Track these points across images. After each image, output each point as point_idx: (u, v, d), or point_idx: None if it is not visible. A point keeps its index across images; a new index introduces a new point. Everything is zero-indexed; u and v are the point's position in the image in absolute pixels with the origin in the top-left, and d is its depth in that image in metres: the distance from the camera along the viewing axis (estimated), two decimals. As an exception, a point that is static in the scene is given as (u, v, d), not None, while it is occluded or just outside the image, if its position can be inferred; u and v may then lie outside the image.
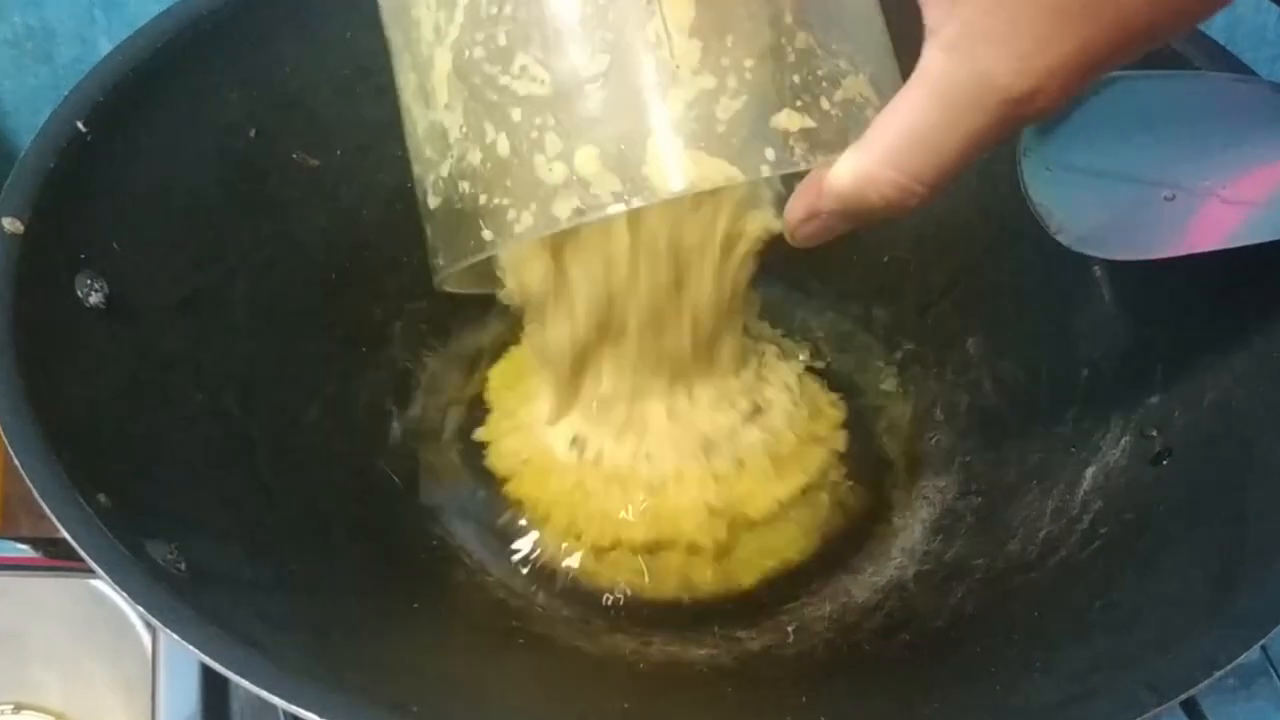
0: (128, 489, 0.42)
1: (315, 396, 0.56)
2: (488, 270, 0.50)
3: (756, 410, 0.56)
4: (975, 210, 0.62)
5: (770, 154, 0.36)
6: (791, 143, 0.36)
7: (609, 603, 0.53)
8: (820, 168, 0.37)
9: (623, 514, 0.53)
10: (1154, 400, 0.52)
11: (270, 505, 0.50)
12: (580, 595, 0.53)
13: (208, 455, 0.49)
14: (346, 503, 0.54)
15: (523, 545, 0.55)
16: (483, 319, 0.62)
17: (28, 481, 0.39)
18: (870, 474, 0.58)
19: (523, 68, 0.36)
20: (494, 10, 0.36)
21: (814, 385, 0.60)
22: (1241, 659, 0.39)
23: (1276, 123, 0.48)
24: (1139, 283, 0.55)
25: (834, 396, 0.60)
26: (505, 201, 0.38)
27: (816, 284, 0.64)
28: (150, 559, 0.40)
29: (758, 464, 0.55)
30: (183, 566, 0.41)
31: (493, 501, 0.56)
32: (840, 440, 0.58)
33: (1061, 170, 0.51)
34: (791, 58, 0.36)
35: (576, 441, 0.55)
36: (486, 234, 0.39)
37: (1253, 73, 0.54)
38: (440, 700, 0.43)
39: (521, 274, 0.49)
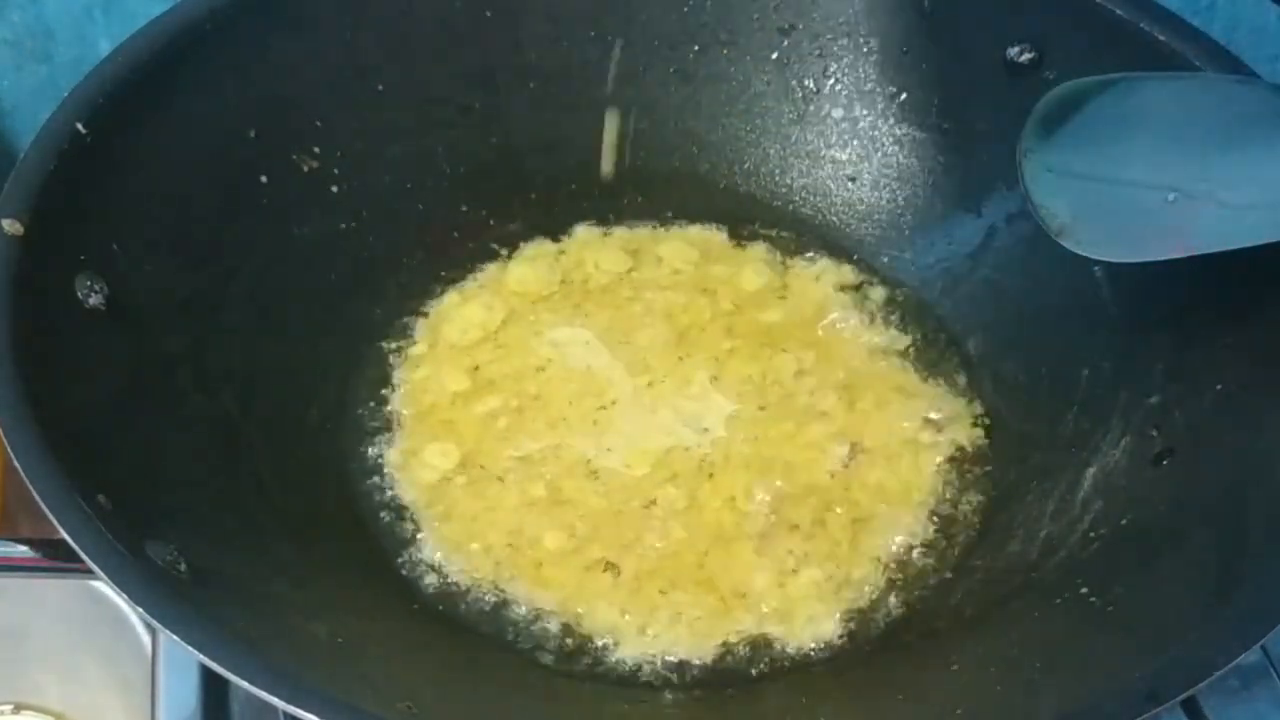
0: (128, 489, 0.42)
1: (314, 397, 0.56)
2: None
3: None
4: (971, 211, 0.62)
5: None
6: None
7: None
8: None
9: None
10: (1154, 400, 0.52)
11: (270, 506, 0.50)
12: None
13: (208, 456, 0.49)
14: (346, 504, 0.54)
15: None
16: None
17: (27, 482, 0.39)
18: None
19: None
20: None
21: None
22: (1241, 659, 0.39)
23: (1277, 123, 0.48)
24: (1139, 283, 0.55)
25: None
26: None
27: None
28: (150, 560, 0.40)
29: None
30: (183, 567, 0.41)
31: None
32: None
33: (1063, 172, 0.51)
34: None
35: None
36: None
37: (1253, 73, 0.54)
38: (437, 700, 0.43)
39: None
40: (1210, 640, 0.40)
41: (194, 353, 0.51)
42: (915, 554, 0.54)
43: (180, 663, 0.50)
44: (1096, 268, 0.56)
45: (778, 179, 0.66)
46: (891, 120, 0.64)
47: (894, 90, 0.64)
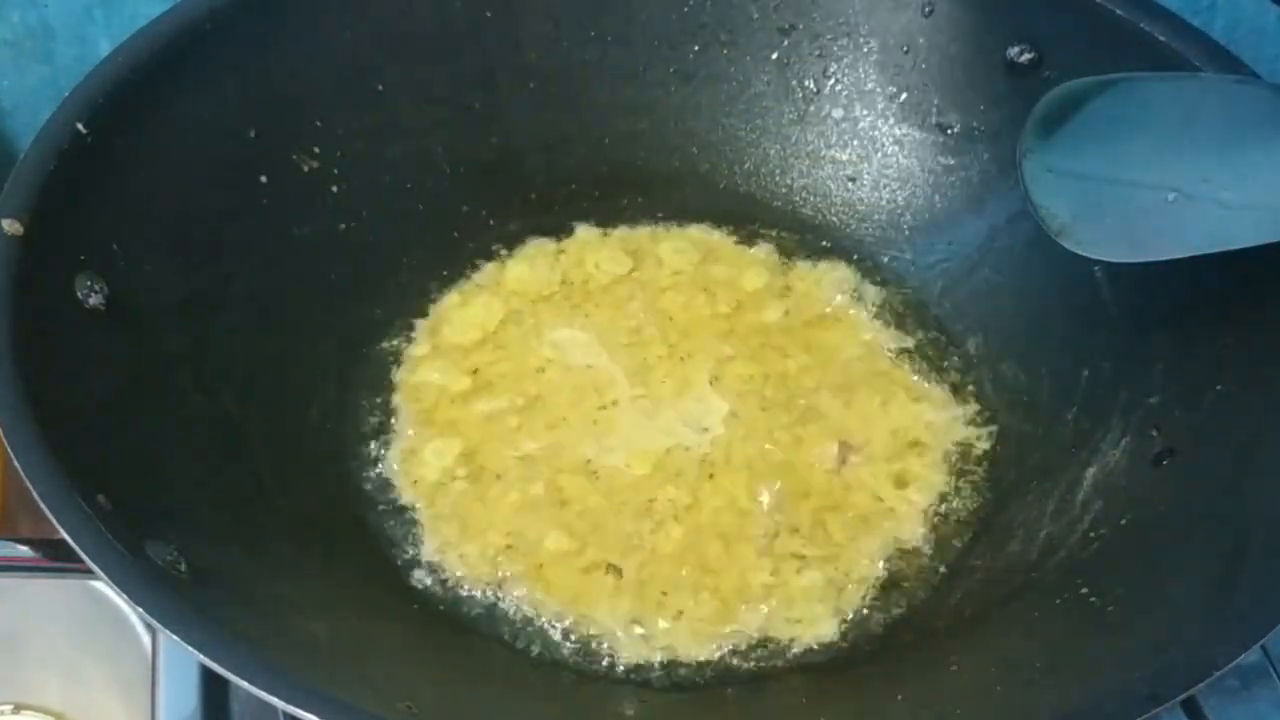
0: (128, 490, 0.42)
1: (314, 397, 0.56)
2: None
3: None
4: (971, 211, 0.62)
5: None
6: None
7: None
8: None
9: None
10: (1154, 400, 0.52)
11: (270, 506, 0.50)
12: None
13: (208, 456, 0.49)
14: (346, 504, 0.54)
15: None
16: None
17: (27, 482, 0.39)
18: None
19: None
20: None
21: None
22: (1241, 659, 0.39)
23: (1277, 124, 0.48)
24: (1139, 283, 0.55)
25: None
26: None
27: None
28: (150, 560, 0.40)
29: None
30: (183, 567, 0.41)
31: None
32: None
33: (1063, 172, 0.51)
34: None
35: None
36: None
37: (1253, 73, 0.54)
38: (437, 700, 0.43)
39: None
40: (1210, 640, 0.40)
41: (194, 353, 0.51)
42: (915, 554, 0.54)
43: (180, 663, 0.50)
44: (1096, 268, 0.56)
45: (778, 179, 0.66)
46: (891, 120, 0.64)
47: (894, 90, 0.64)
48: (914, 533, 0.54)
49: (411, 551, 0.53)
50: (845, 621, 0.51)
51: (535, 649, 0.50)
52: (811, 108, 0.65)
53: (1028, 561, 0.51)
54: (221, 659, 0.37)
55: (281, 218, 0.57)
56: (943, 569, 0.53)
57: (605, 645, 0.50)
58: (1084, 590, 0.47)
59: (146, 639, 0.53)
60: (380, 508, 0.54)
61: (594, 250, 0.64)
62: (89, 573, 0.38)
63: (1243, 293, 0.51)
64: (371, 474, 0.55)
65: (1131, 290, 0.55)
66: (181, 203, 0.52)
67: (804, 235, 0.65)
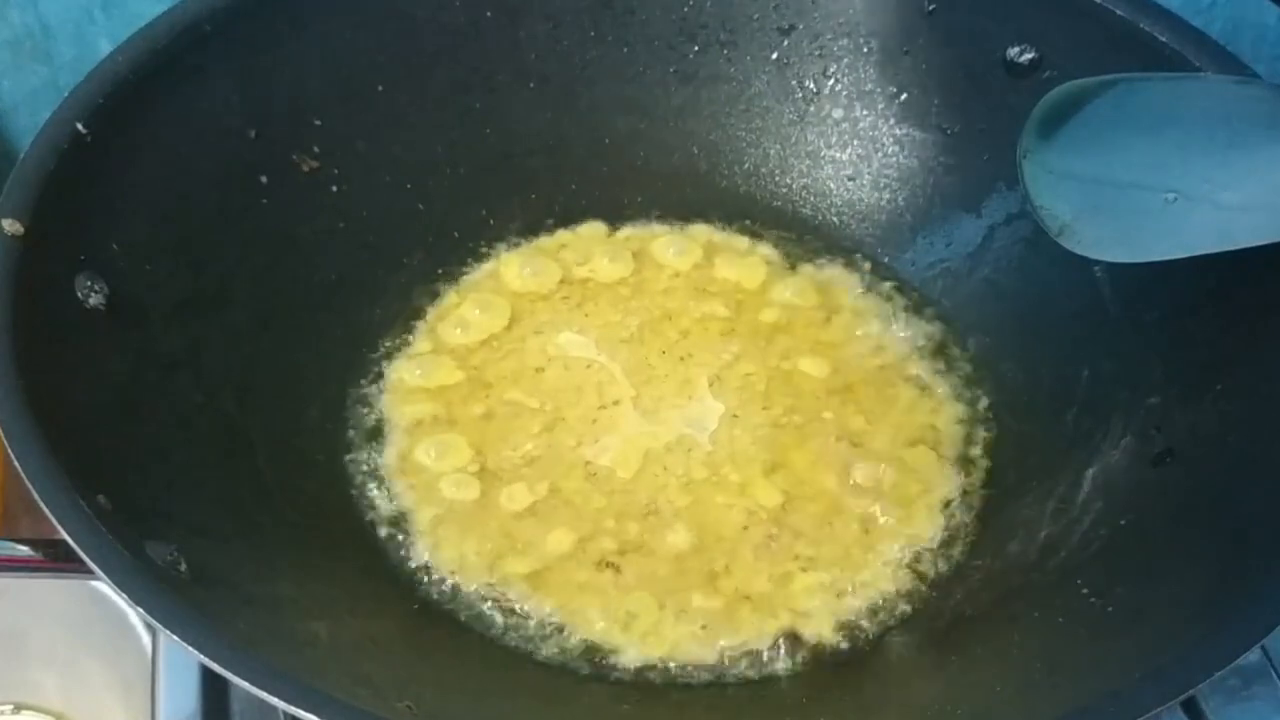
0: (128, 490, 0.42)
1: (314, 397, 0.56)
2: None
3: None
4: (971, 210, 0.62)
5: None
6: None
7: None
8: None
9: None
10: (1154, 400, 0.52)
11: (270, 506, 0.50)
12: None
13: (207, 456, 0.49)
14: (346, 504, 0.54)
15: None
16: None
17: (27, 482, 0.39)
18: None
19: None
20: None
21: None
22: (1241, 659, 0.39)
23: (1277, 124, 0.48)
24: (1139, 283, 0.55)
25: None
26: None
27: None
28: (150, 560, 0.40)
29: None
30: (183, 567, 0.41)
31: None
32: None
33: (1063, 173, 0.51)
34: None
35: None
36: None
37: (1253, 73, 0.54)
38: (437, 700, 0.43)
39: None
40: (1210, 640, 0.40)
41: (194, 353, 0.51)
42: (916, 555, 0.54)
43: (180, 663, 0.50)
44: (1096, 268, 0.56)
45: (778, 179, 0.66)
46: (891, 120, 0.64)
47: (894, 90, 0.64)
48: (915, 533, 0.54)
49: (411, 551, 0.53)
50: (845, 622, 0.51)
51: (535, 649, 0.50)
52: (811, 108, 0.65)
53: (1028, 561, 0.51)
54: (221, 659, 0.37)
55: (281, 218, 0.57)
56: (943, 569, 0.53)
57: (605, 645, 0.50)
58: (1084, 590, 0.47)
59: (146, 639, 0.53)
60: (380, 507, 0.54)
61: (594, 250, 0.64)
62: (89, 573, 0.38)
63: (1243, 293, 0.51)
64: (371, 474, 0.55)
65: (1131, 290, 0.55)
66: (181, 203, 0.52)
67: (804, 235, 0.65)
